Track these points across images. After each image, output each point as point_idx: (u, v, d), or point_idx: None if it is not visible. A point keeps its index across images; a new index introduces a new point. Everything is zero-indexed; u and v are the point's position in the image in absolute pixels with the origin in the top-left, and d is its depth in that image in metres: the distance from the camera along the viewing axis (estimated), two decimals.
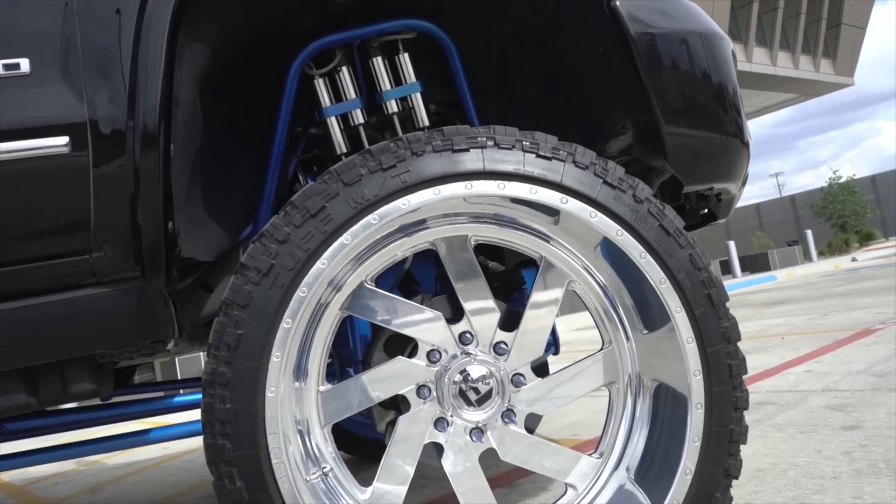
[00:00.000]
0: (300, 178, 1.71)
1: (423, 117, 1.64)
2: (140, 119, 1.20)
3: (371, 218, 1.11)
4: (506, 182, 1.14)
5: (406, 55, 1.62)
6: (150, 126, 1.21)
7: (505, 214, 1.21)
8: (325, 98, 1.58)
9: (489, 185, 1.14)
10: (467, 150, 1.14)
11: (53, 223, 1.21)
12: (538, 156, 1.16)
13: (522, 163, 1.15)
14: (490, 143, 1.15)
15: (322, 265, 1.09)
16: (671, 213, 1.20)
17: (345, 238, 1.10)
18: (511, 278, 1.53)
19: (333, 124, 1.60)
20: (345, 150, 1.61)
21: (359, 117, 1.60)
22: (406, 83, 1.62)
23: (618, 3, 1.40)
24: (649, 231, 1.17)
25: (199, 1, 1.27)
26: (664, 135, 1.40)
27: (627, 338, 1.29)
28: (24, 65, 1.19)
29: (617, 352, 1.31)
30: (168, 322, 1.29)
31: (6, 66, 1.18)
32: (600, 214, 1.16)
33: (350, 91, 1.59)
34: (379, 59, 1.61)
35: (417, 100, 1.64)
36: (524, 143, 1.16)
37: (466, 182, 1.13)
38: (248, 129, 1.64)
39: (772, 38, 21.80)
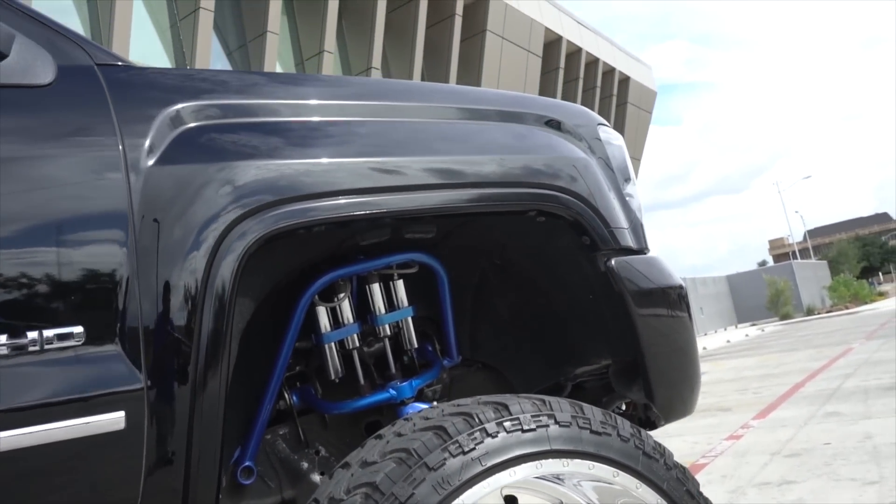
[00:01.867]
0: (285, 395, 1.68)
1: (412, 340, 1.72)
2: (204, 387, 1.16)
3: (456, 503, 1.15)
4: (569, 459, 1.24)
5: (401, 282, 1.70)
6: (215, 394, 1.17)
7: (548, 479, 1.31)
8: (325, 325, 1.60)
9: (556, 463, 1.23)
10: (535, 429, 1.23)
11: None
12: (591, 431, 1.28)
13: (580, 440, 1.26)
14: (552, 421, 1.26)
15: None
16: (689, 474, 1.37)
17: None
18: None
19: (332, 349, 1.61)
20: (341, 374, 1.62)
21: (355, 342, 1.64)
22: (399, 308, 1.69)
23: (613, 264, 1.60)
24: (681, 497, 1.32)
25: (257, 257, 1.27)
26: (652, 380, 1.59)
27: None
28: (78, 333, 1.11)
29: None
30: None
31: (60, 337, 1.09)
32: (643, 486, 1.29)
33: (349, 317, 1.62)
34: (376, 285, 1.67)
35: (408, 323, 1.71)
36: (579, 419, 1.28)
37: (537, 462, 1.22)
38: (244, 353, 1.60)
39: None
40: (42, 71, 1.20)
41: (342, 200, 1.32)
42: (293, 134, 1.36)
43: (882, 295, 36.39)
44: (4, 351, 1.05)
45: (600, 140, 1.75)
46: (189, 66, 13.41)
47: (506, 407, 1.26)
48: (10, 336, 1.05)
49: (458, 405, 1.29)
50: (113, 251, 1.14)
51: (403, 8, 17.66)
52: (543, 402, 1.30)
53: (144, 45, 13.04)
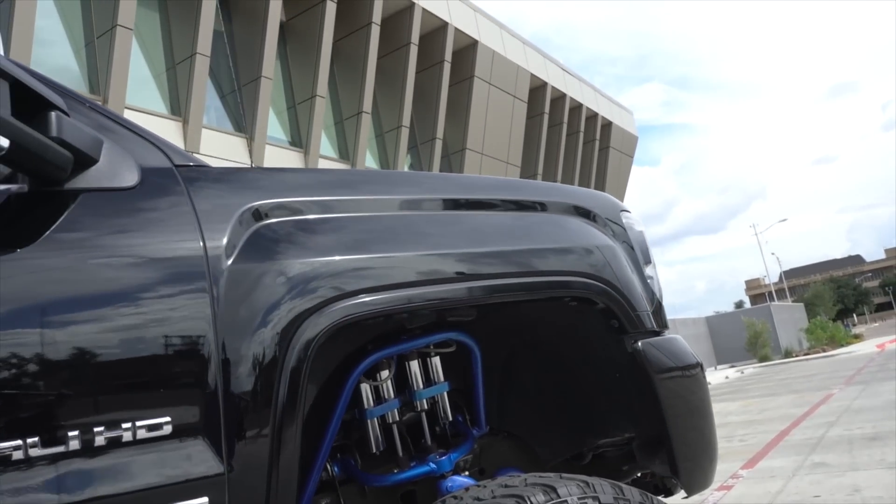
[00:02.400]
0: (327, 466, 1.76)
1: (447, 412, 1.81)
2: (278, 468, 1.25)
3: None
4: None
5: (437, 358, 1.80)
6: (288, 473, 1.26)
7: None
8: (369, 401, 1.69)
9: None
10: None
11: None
12: None
13: None
14: (596, 503, 1.35)
15: None
16: None
17: None
18: None
19: (374, 424, 1.70)
20: (382, 448, 1.71)
21: (395, 416, 1.73)
22: (435, 383, 1.78)
23: (640, 346, 1.71)
24: None
25: (323, 346, 1.36)
26: (677, 456, 1.70)
27: None
28: (166, 423, 1.19)
29: None
30: None
31: (150, 427, 1.17)
32: None
33: (391, 393, 1.71)
34: (415, 362, 1.76)
35: (444, 397, 1.81)
36: (620, 500, 1.38)
37: None
38: None
39: (557, 156, 24.57)
40: (128, 174, 1.30)
41: (399, 293, 1.43)
42: (356, 229, 1.46)
43: (857, 338, 36.86)
44: (102, 441, 1.13)
45: (622, 226, 1.88)
46: (183, 112, 13.56)
47: (554, 490, 1.35)
48: (107, 428, 1.14)
49: (507, 486, 1.38)
50: (196, 346, 1.23)
51: (394, 54, 18.02)
52: (588, 483, 1.39)
53: (141, 89, 13.16)
